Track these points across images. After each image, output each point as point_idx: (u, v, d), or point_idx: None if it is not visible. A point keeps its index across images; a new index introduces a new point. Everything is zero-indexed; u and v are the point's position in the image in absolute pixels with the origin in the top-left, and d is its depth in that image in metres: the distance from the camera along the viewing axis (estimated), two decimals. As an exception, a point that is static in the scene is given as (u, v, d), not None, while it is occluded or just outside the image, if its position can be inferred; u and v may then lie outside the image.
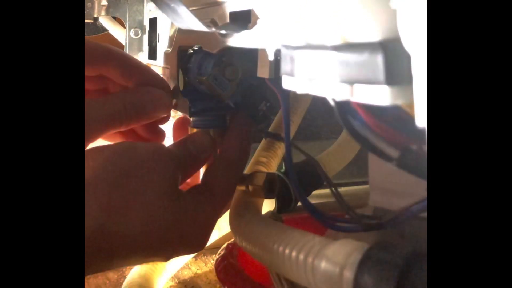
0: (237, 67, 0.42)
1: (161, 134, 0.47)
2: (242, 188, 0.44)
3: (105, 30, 0.85)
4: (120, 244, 0.33)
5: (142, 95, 0.41)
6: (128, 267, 0.67)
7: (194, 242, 0.38)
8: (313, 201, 0.35)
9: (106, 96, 0.40)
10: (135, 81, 0.42)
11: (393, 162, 0.24)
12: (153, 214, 0.35)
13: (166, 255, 0.38)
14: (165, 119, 0.45)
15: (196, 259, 0.73)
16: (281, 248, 0.36)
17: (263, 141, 0.51)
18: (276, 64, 0.35)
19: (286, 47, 0.26)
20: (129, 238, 0.34)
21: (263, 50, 0.36)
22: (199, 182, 0.42)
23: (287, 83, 0.26)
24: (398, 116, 0.23)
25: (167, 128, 0.48)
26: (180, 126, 0.47)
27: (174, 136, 0.47)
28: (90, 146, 0.43)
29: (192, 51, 0.46)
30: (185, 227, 0.37)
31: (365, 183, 0.39)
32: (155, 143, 0.43)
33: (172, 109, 0.48)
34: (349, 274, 0.29)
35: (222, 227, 0.64)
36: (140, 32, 0.72)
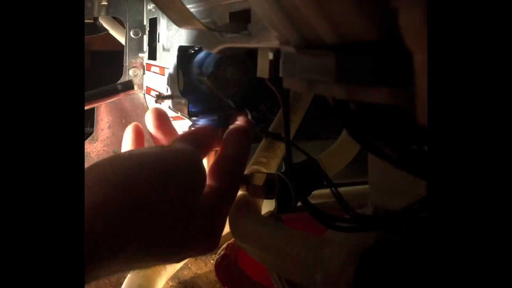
0: (238, 68, 0.42)
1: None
2: (242, 188, 0.44)
3: (105, 30, 0.85)
4: (139, 246, 0.33)
5: None
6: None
7: (208, 243, 0.38)
8: (313, 201, 0.35)
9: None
10: None
11: (393, 162, 0.24)
12: (175, 219, 0.35)
13: (180, 256, 0.38)
14: None
15: (196, 259, 0.73)
16: (280, 249, 0.36)
17: (263, 141, 0.51)
18: (276, 64, 0.35)
19: (286, 47, 0.26)
20: (148, 241, 0.34)
21: (263, 50, 0.36)
22: None
23: (287, 83, 0.26)
24: (398, 116, 0.23)
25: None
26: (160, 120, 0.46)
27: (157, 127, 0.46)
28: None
29: (193, 51, 0.46)
30: (199, 229, 0.37)
31: (365, 183, 0.39)
32: (185, 149, 0.41)
33: (172, 110, 0.48)
34: (349, 274, 0.29)
35: (222, 227, 0.64)
36: (140, 32, 0.72)
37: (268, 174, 0.43)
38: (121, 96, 0.73)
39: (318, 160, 0.57)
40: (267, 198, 0.45)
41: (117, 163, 0.34)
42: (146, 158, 0.35)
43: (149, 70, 0.69)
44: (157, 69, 0.62)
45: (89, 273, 0.30)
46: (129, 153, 0.36)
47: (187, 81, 0.46)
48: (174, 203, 0.35)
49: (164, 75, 0.57)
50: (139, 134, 0.44)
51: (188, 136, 0.41)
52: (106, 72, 0.93)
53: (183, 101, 0.45)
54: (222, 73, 0.41)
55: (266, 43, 0.34)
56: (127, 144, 0.43)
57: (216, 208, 0.38)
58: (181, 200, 0.35)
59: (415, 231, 0.32)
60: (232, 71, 0.42)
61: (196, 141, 0.41)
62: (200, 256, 0.73)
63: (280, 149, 0.50)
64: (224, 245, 0.64)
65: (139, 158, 0.35)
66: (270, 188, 0.43)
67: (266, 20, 0.30)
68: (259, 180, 0.43)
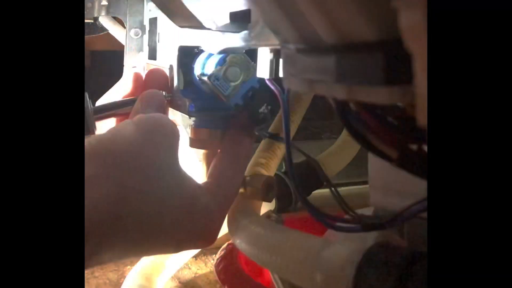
0: (239, 69, 0.42)
1: None
2: (241, 190, 0.44)
3: (105, 30, 0.85)
4: (134, 228, 0.33)
5: None
6: (128, 267, 0.67)
7: (205, 235, 0.38)
8: (313, 201, 0.35)
9: None
10: None
11: (393, 162, 0.24)
12: (166, 198, 0.35)
13: (176, 245, 0.38)
14: None
15: (196, 259, 0.73)
16: (280, 250, 0.36)
17: (263, 142, 0.51)
18: (276, 64, 0.35)
19: (286, 47, 0.26)
20: (143, 223, 0.34)
21: (263, 50, 0.36)
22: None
23: (287, 83, 0.26)
24: (398, 116, 0.23)
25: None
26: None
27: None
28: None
29: (197, 51, 0.46)
30: (197, 220, 0.37)
31: (365, 183, 0.39)
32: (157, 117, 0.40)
33: (171, 108, 0.49)
34: (349, 274, 0.29)
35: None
36: (140, 32, 0.72)
37: (267, 177, 0.43)
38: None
39: (318, 160, 0.57)
40: (265, 201, 0.45)
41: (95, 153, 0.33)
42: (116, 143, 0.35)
43: (149, 70, 0.69)
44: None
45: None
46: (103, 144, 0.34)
47: (187, 81, 0.46)
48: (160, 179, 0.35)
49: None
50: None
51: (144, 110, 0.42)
52: (106, 72, 0.93)
53: (184, 100, 0.45)
54: (223, 73, 0.41)
55: (266, 43, 0.34)
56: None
57: (215, 202, 0.38)
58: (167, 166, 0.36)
59: (415, 231, 0.32)
60: (233, 72, 0.42)
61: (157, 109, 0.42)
62: (200, 256, 0.73)
63: (280, 149, 0.50)
64: (224, 245, 0.64)
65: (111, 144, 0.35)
66: (268, 191, 0.43)
67: (266, 20, 0.30)
68: (257, 183, 0.43)
